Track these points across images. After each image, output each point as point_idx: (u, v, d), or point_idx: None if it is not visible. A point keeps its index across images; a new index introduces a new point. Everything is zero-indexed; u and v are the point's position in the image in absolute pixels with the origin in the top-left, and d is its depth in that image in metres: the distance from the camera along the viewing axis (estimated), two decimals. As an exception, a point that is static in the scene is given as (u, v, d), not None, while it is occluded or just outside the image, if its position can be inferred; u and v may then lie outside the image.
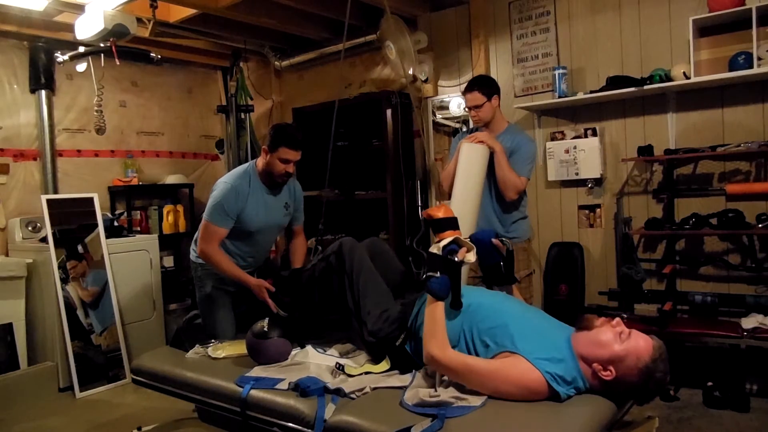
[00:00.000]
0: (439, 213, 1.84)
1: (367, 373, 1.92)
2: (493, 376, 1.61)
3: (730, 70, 2.94)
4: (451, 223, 1.83)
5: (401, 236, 4.05)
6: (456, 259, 1.72)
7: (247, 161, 3.57)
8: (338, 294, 2.14)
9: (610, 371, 1.59)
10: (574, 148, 3.49)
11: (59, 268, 3.59)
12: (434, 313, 1.73)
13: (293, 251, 2.92)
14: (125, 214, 4.31)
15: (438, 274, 1.71)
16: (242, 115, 4.32)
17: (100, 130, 3.86)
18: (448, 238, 1.77)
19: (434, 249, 1.76)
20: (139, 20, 3.41)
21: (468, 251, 1.77)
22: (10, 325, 3.58)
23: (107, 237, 3.89)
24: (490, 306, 1.82)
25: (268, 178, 2.62)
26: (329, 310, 2.25)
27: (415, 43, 3.90)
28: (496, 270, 1.96)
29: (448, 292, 1.73)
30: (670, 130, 3.25)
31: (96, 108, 3.78)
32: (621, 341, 1.60)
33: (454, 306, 1.75)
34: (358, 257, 2.13)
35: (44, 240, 3.65)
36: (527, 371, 1.58)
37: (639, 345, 1.59)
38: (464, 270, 2.53)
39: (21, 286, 3.64)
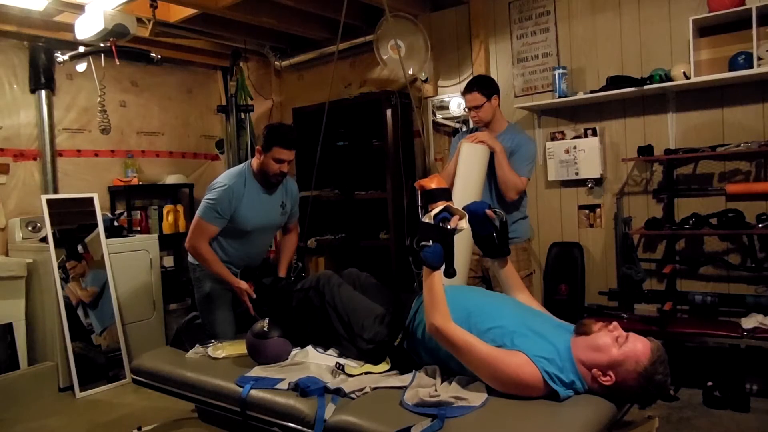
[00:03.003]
0: (432, 184, 1.83)
1: (367, 373, 1.92)
2: (491, 360, 1.62)
3: (730, 70, 2.94)
4: (444, 194, 1.81)
5: (401, 236, 4.05)
6: (448, 226, 1.70)
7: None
8: (322, 323, 2.14)
9: (610, 376, 1.58)
10: (574, 148, 3.48)
11: (59, 268, 3.59)
12: (432, 285, 1.71)
13: (282, 248, 2.95)
14: (125, 214, 4.31)
15: (431, 243, 1.69)
16: (242, 115, 4.32)
17: (105, 130, 3.87)
18: (439, 207, 1.76)
19: (426, 219, 1.74)
20: (139, 20, 3.41)
21: (460, 219, 1.74)
22: (10, 325, 3.58)
23: (107, 237, 3.89)
24: (489, 307, 1.81)
25: (263, 177, 2.65)
26: (307, 323, 2.25)
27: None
28: (490, 241, 1.92)
29: (441, 260, 1.70)
30: (670, 130, 3.25)
31: (99, 108, 3.78)
32: (619, 345, 1.60)
33: (447, 275, 1.73)
34: (337, 285, 2.15)
35: (44, 240, 3.65)
36: (525, 364, 1.58)
37: (637, 348, 1.58)
38: (464, 269, 2.55)
39: (21, 286, 3.64)
